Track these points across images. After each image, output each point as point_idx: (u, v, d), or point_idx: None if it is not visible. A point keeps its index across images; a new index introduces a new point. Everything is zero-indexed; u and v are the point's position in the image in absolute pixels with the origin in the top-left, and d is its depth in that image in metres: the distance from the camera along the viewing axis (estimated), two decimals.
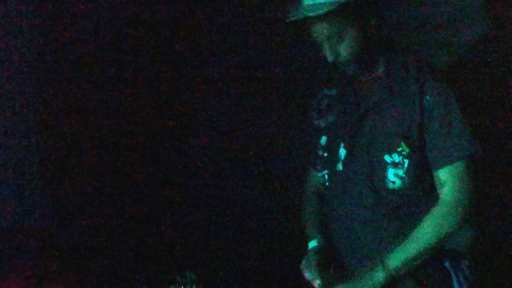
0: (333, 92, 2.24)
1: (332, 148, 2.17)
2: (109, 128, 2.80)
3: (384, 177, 2.05)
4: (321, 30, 2.01)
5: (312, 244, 2.19)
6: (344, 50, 2.03)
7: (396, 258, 2.00)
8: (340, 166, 2.13)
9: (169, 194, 3.05)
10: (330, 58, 2.04)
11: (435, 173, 2.03)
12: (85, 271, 2.59)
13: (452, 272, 2.10)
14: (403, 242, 2.01)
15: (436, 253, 2.07)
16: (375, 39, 2.07)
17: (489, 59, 2.63)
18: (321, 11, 1.93)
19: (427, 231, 2.00)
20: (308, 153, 2.32)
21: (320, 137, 2.23)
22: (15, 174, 2.51)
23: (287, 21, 2.00)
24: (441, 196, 2.03)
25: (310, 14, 1.95)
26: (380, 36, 2.09)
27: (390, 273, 1.99)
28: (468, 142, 2.02)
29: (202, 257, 3.00)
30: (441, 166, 2.02)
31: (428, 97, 2.02)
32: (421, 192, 2.06)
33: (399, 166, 2.03)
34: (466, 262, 2.15)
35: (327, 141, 2.20)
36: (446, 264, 2.11)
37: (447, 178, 2.01)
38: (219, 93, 3.18)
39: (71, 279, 2.52)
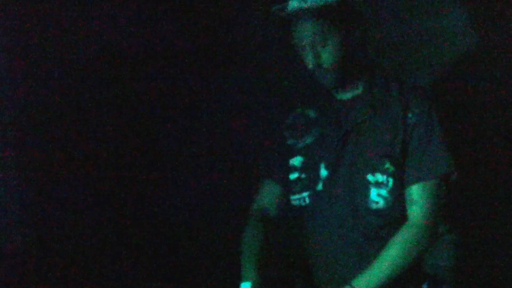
0: (311, 114, 2.20)
1: (311, 169, 2.13)
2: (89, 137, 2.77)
3: (366, 197, 2.02)
4: (305, 30, 1.99)
5: (245, 286, 2.00)
6: (326, 56, 2.01)
7: (364, 281, 1.96)
8: (320, 186, 2.10)
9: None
10: (311, 62, 2.01)
11: (407, 189, 2.02)
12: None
13: None
14: (372, 264, 1.98)
15: (415, 276, 2.04)
16: (358, 55, 2.06)
17: (472, 77, 2.61)
18: (306, 5, 1.95)
19: (394, 253, 1.98)
20: (270, 168, 2.23)
21: (292, 158, 2.17)
22: None
23: (274, 15, 2.01)
24: (410, 216, 2.01)
25: (295, 7, 1.97)
26: (363, 53, 2.09)
27: None
28: (444, 162, 2.01)
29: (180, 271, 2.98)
30: (413, 183, 2.00)
31: (410, 115, 2.01)
32: (403, 212, 2.03)
33: (383, 185, 2.01)
34: (445, 286, 2.12)
35: (304, 162, 2.15)
36: (424, 287, 2.08)
37: (418, 196, 2.00)
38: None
39: None
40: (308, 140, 2.16)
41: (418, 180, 2.00)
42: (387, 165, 2.01)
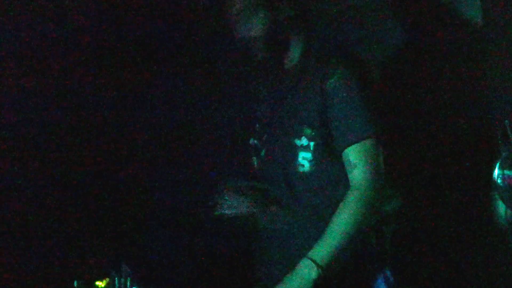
0: (263, 83, 2.30)
1: (259, 135, 2.25)
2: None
3: (295, 160, 2.11)
4: (236, 3, 2.11)
5: None
6: (251, 27, 2.11)
7: (323, 252, 2.00)
8: (263, 153, 2.21)
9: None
10: (238, 31, 2.12)
11: (343, 153, 2.06)
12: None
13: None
14: (324, 234, 2.01)
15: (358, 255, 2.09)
16: (289, 29, 2.14)
17: (422, 55, 2.64)
18: None
19: (344, 219, 2.01)
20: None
21: (254, 125, 2.28)
22: None
23: None
24: (352, 180, 2.05)
25: None
26: (297, 28, 2.16)
27: (321, 269, 1.97)
28: (374, 123, 2.05)
29: (138, 250, 3.00)
30: (348, 145, 2.05)
31: (330, 81, 2.07)
32: (332, 181, 2.10)
33: (307, 149, 2.09)
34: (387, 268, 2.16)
35: (258, 129, 2.27)
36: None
37: (356, 159, 2.04)
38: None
39: None
40: (263, 108, 2.27)
41: (350, 142, 2.04)
42: (307, 130, 2.09)
